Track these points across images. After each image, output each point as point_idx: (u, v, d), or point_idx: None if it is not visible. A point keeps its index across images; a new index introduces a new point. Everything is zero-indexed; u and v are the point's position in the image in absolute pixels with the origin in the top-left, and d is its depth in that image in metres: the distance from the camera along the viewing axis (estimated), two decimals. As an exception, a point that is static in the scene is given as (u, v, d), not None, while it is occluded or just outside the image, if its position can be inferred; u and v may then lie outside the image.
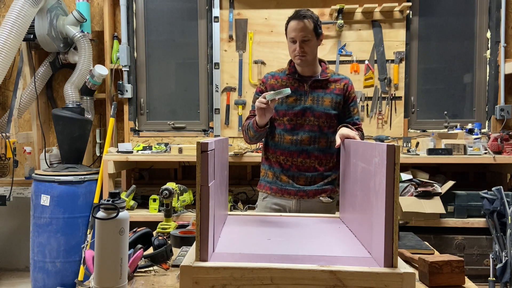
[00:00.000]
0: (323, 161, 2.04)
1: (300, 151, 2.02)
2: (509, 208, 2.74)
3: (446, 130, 3.29)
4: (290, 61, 2.07)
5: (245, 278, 1.11)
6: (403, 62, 3.50)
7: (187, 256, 1.21)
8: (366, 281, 1.09)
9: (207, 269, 1.12)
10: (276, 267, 1.11)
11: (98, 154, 3.70)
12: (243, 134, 2.13)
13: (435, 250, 1.60)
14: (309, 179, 2.04)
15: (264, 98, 1.81)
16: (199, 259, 1.15)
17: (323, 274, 1.10)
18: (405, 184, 2.97)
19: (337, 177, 2.09)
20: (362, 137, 2.04)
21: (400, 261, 1.15)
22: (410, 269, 1.11)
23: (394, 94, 3.51)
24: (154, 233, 1.84)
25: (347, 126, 1.92)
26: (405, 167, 3.15)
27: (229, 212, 1.92)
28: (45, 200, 3.08)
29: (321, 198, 2.05)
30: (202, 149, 1.16)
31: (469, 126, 3.28)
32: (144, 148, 3.32)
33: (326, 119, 2.01)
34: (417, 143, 3.28)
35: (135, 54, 3.67)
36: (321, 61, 2.10)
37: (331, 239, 1.47)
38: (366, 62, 3.50)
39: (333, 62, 3.50)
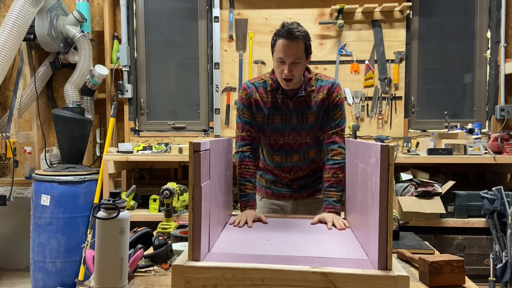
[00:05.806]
0: (316, 166, 2.01)
1: (291, 167, 1.98)
2: (509, 208, 2.74)
3: (446, 130, 3.29)
4: (273, 72, 1.88)
5: (236, 278, 1.11)
6: (403, 62, 3.49)
7: (181, 255, 1.22)
8: (359, 283, 1.08)
9: (199, 269, 1.12)
10: (267, 268, 1.11)
11: (98, 154, 3.69)
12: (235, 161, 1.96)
13: (435, 250, 1.60)
14: (303, 183, 2.03)
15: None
16: (192, 258, 1.16)
17: (315, 276, 1.09)
18: (405, 184, 2.96)
19: None
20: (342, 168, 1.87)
21: (395, 264, 1.13)
22: (404, 272, 1.09)
23: (394, 94, 3.50)
24: (154, 233, 1.84)
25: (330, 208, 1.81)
26: (405, 167, 3.14)
27: (233, 213, 1.91)
28: (45, 200, 3.08)
29: (316, 196, 2.04)
30: (195, 149, 1.16)
31: (469, 126, 3.27)
32: (144, 148, 3.32)
33: (312, 135, 1.92)
34: (417, 143, 3.28)
35: (135, 54, 3.67)
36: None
37: (331, 241, 1.46)
38: (366, 62, 3.50)
39: (333, 62, 3.50)
